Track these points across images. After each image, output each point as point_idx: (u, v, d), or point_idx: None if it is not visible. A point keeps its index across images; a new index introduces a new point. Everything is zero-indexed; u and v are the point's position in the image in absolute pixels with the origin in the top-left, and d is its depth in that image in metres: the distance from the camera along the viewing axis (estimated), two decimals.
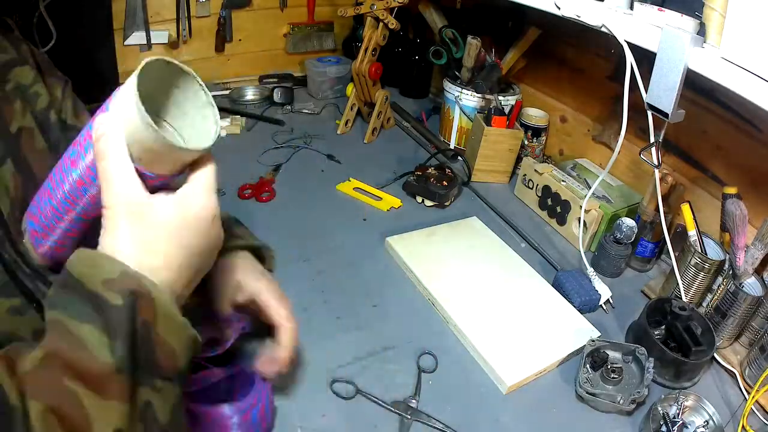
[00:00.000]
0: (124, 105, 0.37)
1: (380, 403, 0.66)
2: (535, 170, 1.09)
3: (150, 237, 0.38)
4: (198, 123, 0.42)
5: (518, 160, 1.19)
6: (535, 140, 1.24)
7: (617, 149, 0.84)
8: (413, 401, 0.67)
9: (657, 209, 0.86)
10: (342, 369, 0.70)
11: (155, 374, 0.37)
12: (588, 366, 0.72)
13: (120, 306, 0.35)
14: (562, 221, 1.04)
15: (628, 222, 0.91)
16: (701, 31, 0.68)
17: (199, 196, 0.40)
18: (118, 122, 0.37)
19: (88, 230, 0.44)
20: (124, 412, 0.35)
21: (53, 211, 0.43)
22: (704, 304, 0.86)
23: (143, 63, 0.36)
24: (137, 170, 0.38)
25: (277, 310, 0.56)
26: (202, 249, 0.40)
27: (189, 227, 0.39)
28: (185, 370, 0.39)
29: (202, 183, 0.40)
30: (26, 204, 0.47)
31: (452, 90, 1.29)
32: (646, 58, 0.74)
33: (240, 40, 1.53)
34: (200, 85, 0.42)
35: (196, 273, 0.41)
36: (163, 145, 0.37)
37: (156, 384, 0.37)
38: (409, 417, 0.65)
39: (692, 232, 0.84)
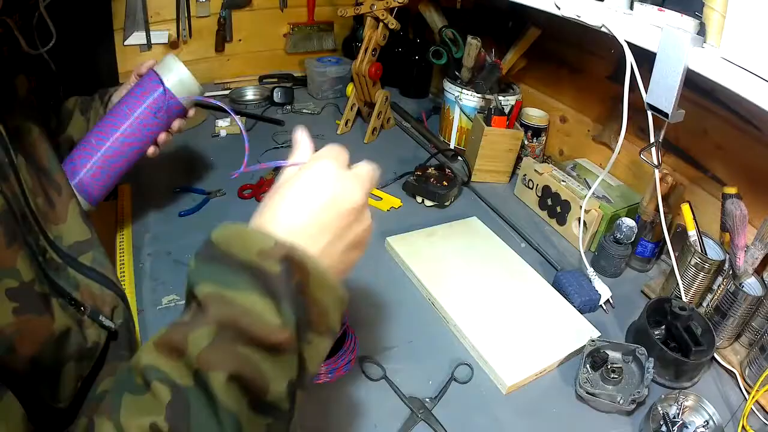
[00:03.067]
0: (174, 69, 0.80)
1: (400, 394, 0.67)
2: (535, 170, 1.09)
3: (293, 210, 0.42)
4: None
5: (518, 160, 1.19)
6: (535, 140, 1.24)
7: (617, 149, 0.84)
8: (427, 401, 0.67)
9: (657, 209, 0.86)
10: None
11: (309, 330, 0.39)
12: (588, 366, 0.72)
13: (278, 272, 0.37)
14: (562, 221, 1.04)
15: (628, 222, 0.91)
16: (701, 31, 0.68)
17: (351, 190, 0.44)
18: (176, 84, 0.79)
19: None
20: (294, 365, 0.38)
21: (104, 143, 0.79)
22: (704, 304, 0.86)
23: (172, 54, 0.81)
24: (176, 100, 0.80)
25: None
26: (338, 221, 0.43)
27: (321, 204, 0.42)
28: (335, 327, 0.42)
29: (360, 175, 0.46)
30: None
31: (452, 90, 1.29)
32: (646, 58, 0.74)
33: (240, 40, 1.53)
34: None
35: (341, 253, 0.44)
36: (194, 84, 0.80)
37: (309, 338, 0.39)
38: (420, 415, 0.65)
39: (692, 232, 0.84)
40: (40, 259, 0.47)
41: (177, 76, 0.78)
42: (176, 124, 0.84)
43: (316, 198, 0.42)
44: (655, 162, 0.81)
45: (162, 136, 0.83)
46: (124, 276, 0.82)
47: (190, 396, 0.34)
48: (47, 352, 0.43)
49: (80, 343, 0.48)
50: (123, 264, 0.84)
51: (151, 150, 0.83)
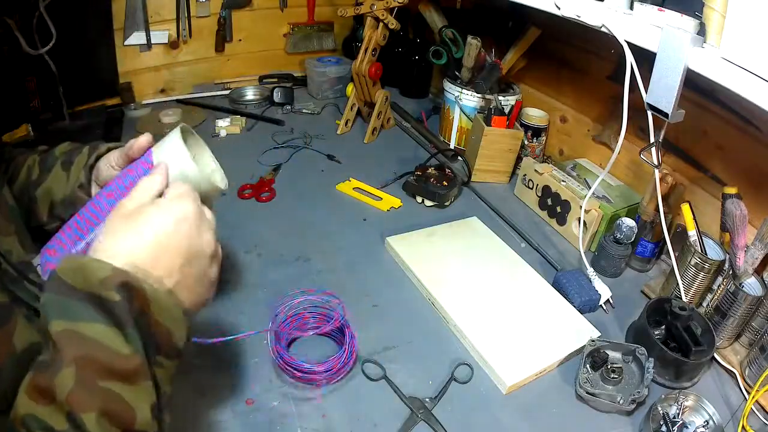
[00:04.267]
0: (175, 156, 0.50)
1: (400, 394, 0.67)
2: (535, 170, 1.09)
3: (136, 236, 0.43)
4: (202, 164, 0.56)
5: (518, 160, 1.19)
6: (535, 140, 1.24)
7: (617, 149, 0.84)
8: (427, 401, 0.67)
9: (657, 209, 0.86)
10: None
11: (158, 353, 0.41)
12: (588, 366, 0.72)
13: (117, 300, 0.38)
14: (562, 221, 1.04)
15: (628, 222, 0.91)
16: (701, 31, 0.68)
17: (183, 203, 0.46)
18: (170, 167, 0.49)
19: None
20: (150, 389, 0.39)
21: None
22: (704, 304, 0.86)
23: (180, 128, 0.52)
24: None
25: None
26: (186, 244, 0.45)
27: (175, 229, 0.44)
28: (180, 347, 0.43)
29: (181, 195, 0.46)
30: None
31: (452, 90, 1.29)
32: (646, 58, 0.74)
33: (240, 40, 1.53)
34: (202, 141, 0.57)
35: (184, 263, 0.45)
36: (207, 183, 0.51)
37: (159, 360, 0.41)
38: (420, 416, 0.65)
39: (692, 232, 0.84)
40: None
41: (178, 168, 0.50)
42: None
43: (152, 223, 0.43)
44: (655, 162, 0.81)
45: None
46: None
47: None
48: (13, 366, 0.43)
49: None
50: None
51: None
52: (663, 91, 0.72)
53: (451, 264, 0.90)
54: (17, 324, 0.44)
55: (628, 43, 0.75)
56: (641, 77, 0.76)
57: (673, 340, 0.76)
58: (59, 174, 0.63)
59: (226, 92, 1.50)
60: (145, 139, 0.55)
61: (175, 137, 0.51)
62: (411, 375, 0.71)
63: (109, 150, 0.61)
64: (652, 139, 0.79)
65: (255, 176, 1.11)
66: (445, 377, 0.71)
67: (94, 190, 0.61)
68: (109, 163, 0.59)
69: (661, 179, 0.84)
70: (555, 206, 1.05)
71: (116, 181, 0.53)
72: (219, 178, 0.56)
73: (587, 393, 0.68)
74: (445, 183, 1.08)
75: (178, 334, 0.42)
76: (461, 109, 1.29)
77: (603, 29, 0.79)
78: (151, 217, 0.43)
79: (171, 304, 0.42)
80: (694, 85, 0.76)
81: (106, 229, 0.43)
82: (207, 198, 0.51)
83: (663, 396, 0.68)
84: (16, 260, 0.51)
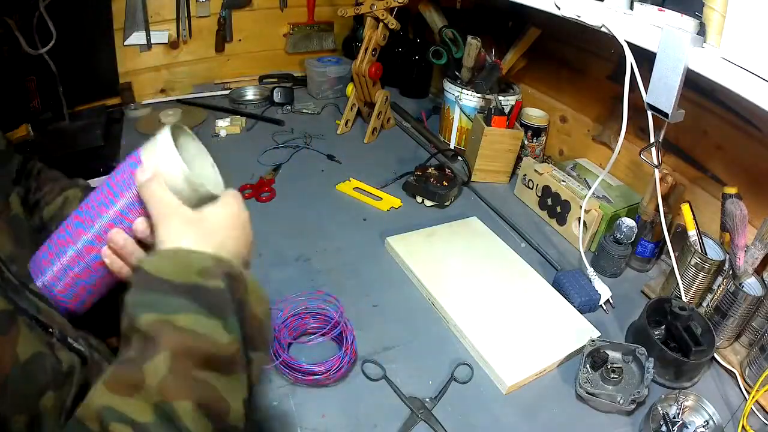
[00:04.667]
0: (163, 159, 0.45)
1: (400, 394, 0.67)
2: (535, 170, 1.09)
3: (212, 233, 0.43)
4: (199, 166, 0.52)
5: (518, 160, 1.19)
6: (535, 140, 1.24)
7: (617, 149, 0.84)
8: (427, 401, 0.67)
9: (657, 209, 0.86)
10: None
11: (251, 347, 0.40)
12: (588, 366, 0.72)
13: (222, 288, 0.38)
14: (562, 221, 1.04)
15: (628, 222, 0.91)
16: (701, 31, 0.68)
17: (235, 203, 0.47)
18: (160, 170, 0.45)
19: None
20: (245, 382, 0.38)
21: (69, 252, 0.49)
22: (704, 304, 0.86)
23: (169, 128, 0.46)
24: None
25: None
26: (246, 240, 0.46)
27: (235, 224, 0.45)
28: (271, 339, 0.44)
29: (235, 195, 0.48)
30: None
31: (452, 90, 1.29)
32: (646, 58, 0.74)
33: (240, 40, 1.53)
34: (198, 141, 0.52)
35: (244, 262, 0.46)
36: (198, 192, 0.46)
37: (251, 355, 0.40)
38: (420, 416, 0.65)
39: (692, 232, 0.84)
40: None
41: (168, 169, 0.45)
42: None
43: (218, 217, 0.45)
44: (655, 162, 0.81)
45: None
46: None
47: (152, 430, 0.33)
48: (19, 377, 0.39)
49: (55, 366, 0.43)
50: None
51: (106, 252, 0.49)
52: (663, 91, 0.72)
53: (451, 264, 0.90)
54: (20, 332, 0.41)
55: (628, 43, 0.75)
56: (641, 77, 0.76)
57: (673, 340, 0.76)
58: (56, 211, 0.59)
59: (226, 92, 1.49)
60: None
61: (164, 136, 0.46)
62: (411, 375, 0.71)
63: None
64: (652, 139, 0.79)
65: (255, 176, 1.11)
66: (445, 377, 0.71)
67: None
68: None
69: (661, 179, 0.84)
70: (555, 206, 1.05)
71: (105, 182, 0.49)
72: (213, 182, 0.52)
73: (587, 393, 0.68)
74: (445, 183, 1.08)
75: (269, 326, 0.42)
76: (461, 109, 1.29)
77: (603, 29, 0.79)
78: (212, 216, 0.44)
79: (264, 294, 0.42)
80: (694, 85, 0.76)
81: (174, 234, 0.42)
82: (198, 201, 0.47)
83: (663, 396, 0.68)
84: (18, 270, 0.49)
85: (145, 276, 0.38)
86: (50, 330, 0.45)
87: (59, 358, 0.44)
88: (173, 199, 0.44)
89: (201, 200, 0.47)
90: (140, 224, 0.46)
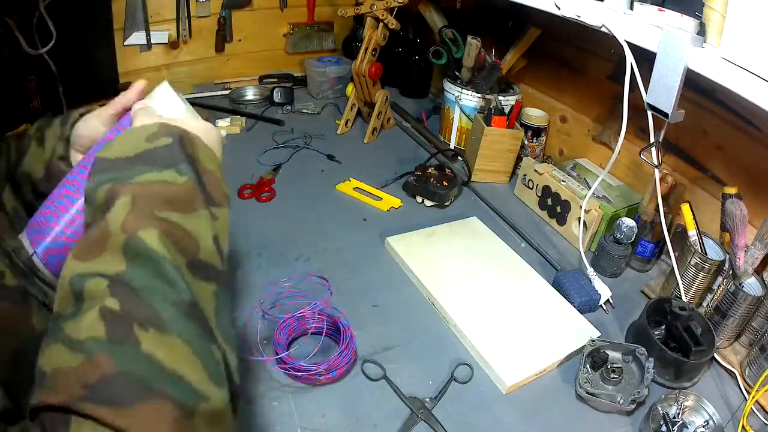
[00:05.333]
0: (168, 104, 0.51)
1: (400, 394, 0.67)
2: (535, 170, 1.09)
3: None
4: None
5: (518, 160, 1.19)
6: (535, 140, 1.24)
7: (617, 149, 0.84)
8: (427, 401, 0.67)
9: (657, 209, 0.86)
10: None
11: (210, 203, 0.40)
12: (588, 366, 0.72)
13: (170, 143, 0.40)
14: (562, 221, 1.04)
15: (628, 222, 0.91)
16: (701, 31, 0.68)
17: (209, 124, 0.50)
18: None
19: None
20: (209, 221, 0.39)
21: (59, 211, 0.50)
22: (704, 304, 0.86)
23: (166, 81, 0.53)
24: None
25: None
26: (218, 153, 0.47)
27: (208, 137, 0.47)
28: (228, 193, 0.44)
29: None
30: None
31: (452, 90, 1.29)
32: (646, 58, 0.74)
33: (240, 40, 1.53)
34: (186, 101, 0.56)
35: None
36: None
37: (213, 212, 0.40)
38: (420, 416, 0.65)
39: (692, 232, 0.84)
40: (6, 261, 0.45)
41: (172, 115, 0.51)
42: None
43: (192, 123, 0.47)
44: (655, 162, 0.81)
45: None
46: None
47: (128, 274, 0.33)
48: (30, 349, 0.39)
49: None
50: None
51: None
52: (663, 91, 0.72)
53: (451, 264, 0.90)
54: (33, 308, 0.43)
55: (628, 43, 0.75)
56: (641, 77, 0.76)
57: (673, 340, 0.76)
58: (35, 151, 0.58)
59: (226, 92, 1.49)
60: (139, 86, 0.54)
61: (165, 87, 0.53)
62: (411, 375, 0.71)
63: (82, 115, 0.57)
64: (652, 139, 0.79)
65: (255, 176, 1.11)
66: (445, 377, 0.71)
67: (75, 159, 0.57)
68: (95, 127, 0.55)
69: (661, 179, 0.84)
70: (555, 206, 1.05)
71: (107, 135, 0.53)
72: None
73: (587, 393, 0.68)
74: (445, 183, 1.08)
75: (222, 179, 0.43)
76: (461, 109, 1.29)
77: (603, 29, 0.79)
78: (187, 124, 0.46)
79: (214, 153, 0.44)
80: (694, 85, 0.76)
81: (137, 122, 0.45)
82: None
83: (663, 396, 0.68)
84: (25, 258, 0.51)
85: (98, 162, 0.39)
86: None
87: None
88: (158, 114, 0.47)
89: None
90: None
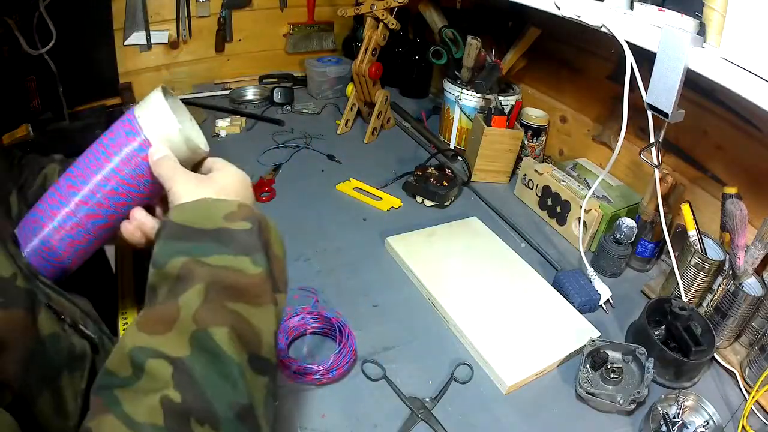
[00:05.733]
0: (161, 125, 0.49)
1: (400, 394, 0.67)
2: (535, 170, 1.09)
3: (225, 190, 0.46)
4: (185, 123, 0.55)
5: (518, 160, 1.19)
6: (535, 140, 1.24)
7: (617, 149, 0.84)
8: (427, 401, 0.67)
9: (657, 209, 0.86)
10: None
11: (276, 289, 0.41)
12: (588, 366, 0.72)
13: (249, 228, 0.40)
14: (562, 221, 1.04)
15: (628, 222, 0.91)
16: (701, 31, 0.68)
17: (233, 167, 0.52)
18: (162, 141, 0.49)
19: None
20: (275, 314, 0.39)
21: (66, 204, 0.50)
22: (704, 304, 0.86)
23: (160, 89, 0.51)
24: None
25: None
26: (252, 201, 0.50)
27: (242, 185, 0.49)
28: (287, 281, 0.44)
29: (224, 161, 0.53)
30: None
31: (452, 90, 1.29)
32: (646, 58, 0.74)
33: (240, 40, 1.53)
34: (182, 103, 0.57)
35: None
36: (193, 150, 0.51)
37: (275, 298, 0.41)
38: (420, 416, 0.65)
39: (692, 232, 0.84)
40: (13, 262, 0.45)
41: (164, 130, 0.49)
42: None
43: (227, 179, 0.49)
44: (655, 162, 0.81)
45: (138, 216, 0.51)
46: (124, 285, 0.81)
47: (191, 363, 0.33)
48: (39, 355, 0.41)
49: (70, 348, 0.45)
50: (123, 272, 0.84)
51: (129, 228, 0.51)
52: (663, 91, 0.72)
53: (451, 264, 0.90)
54: (39, 310, 0.43)
55: (628, 43, 0.75)
56: (641, 77, 0.76)
57: (673, 340, 0.76)
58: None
59: (226, 92, 1.49)
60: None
61: (157, 96, 0.50)
62: (411, 375, 0.71)
63: None
64: (652, 139, 0.79)
65: (255, 176, 1.11)
66: (445, 377, 0.71)
67: None
68: None
69: (661, 179, 0.84)
70: (555, 206, 1.05)
71: (100, 140, 0.51)
72: (202, 142, 0.55)
73: (587, 393, 0.68)
74: (445, 183, 1.08)
75: (285, 266, 0.44)
76: (461, 109, 1.29)
77: (603, 29, 0.79)
78: (221, 178, 0.48)
79: (281, 236, 0.44)
80: (694, 85, 0.76)
81: (191, 191, 0.44)
82: (189, 160, 0.52)
83: (663, 396, 0.68)
84: (25, 262, 0.50)
85: (172, 226, 0.39)
86: (62, 317, 0.46)
87: (72, 342, 0.45)
88: (183, 168, 0.47)
89: (194, 154, 0.52)
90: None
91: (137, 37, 1.35)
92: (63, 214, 0.50)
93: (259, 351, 0.37)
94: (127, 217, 0.51)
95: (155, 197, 0.53)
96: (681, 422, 0.65)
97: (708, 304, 0.82)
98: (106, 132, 0.52)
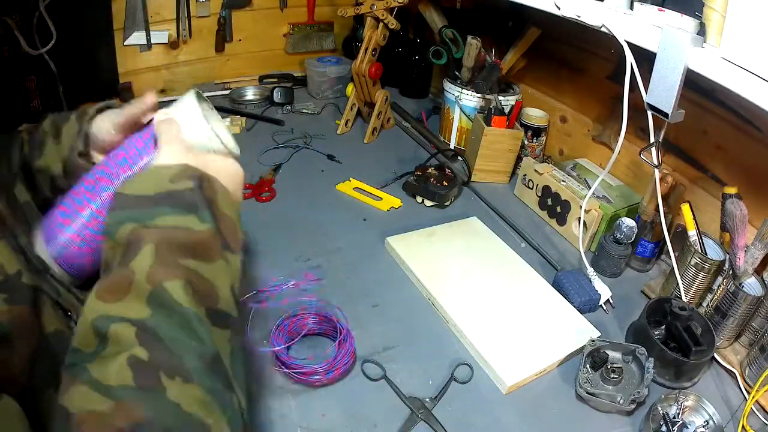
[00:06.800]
0: (192, 126, 0.52)
1: (400, 394, 0.67)
2: (535, 170, 1.09)
3: (215, 171, 0.46)
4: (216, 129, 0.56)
5: (518, 160, 1.19)
6: (535, 140, 1.24)
7: (617, 149, 0.84)
8: (427, 401, 0.67)
9: (657, 209, 0.86)
10: None
11: (224, 247, 0.41)
12: (588, 366, 0.72)
13: (192, 186, 0.41)
14: (562, 221, 1.04)
15: (628, 222, 0.91)
16: (701, 31, 0.68)
17: (237, 163, 0.51)
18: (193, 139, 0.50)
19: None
20: (227, 270, 0.40)
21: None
22: (704, 304, 0.86)
23: (193, 92, 0.55)
24: None
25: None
26: (237, 197, 0.49)
27: (231, 178, 0.48)
28: (241, 240, 0.44)
29: (237, 159, 0.53)
30: None
31: (452, 90, 1.29)
32: (646, 58, 0.74)
33: (240, 40, 1.53)
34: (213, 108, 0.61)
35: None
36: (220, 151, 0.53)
37: (226, 256, 0.41)
38: (420, 416, 0.65)
39: (692, 232, 0.84)
40: (21, 257, 0.46)
41: (193, 132, 0.52)
42: None
43: (218, 164, 0.48)
44: (655, 162, 0.81)
45: None
46: None
47: (153, 322, 0.34)
48: (45, 349, 0.42)
49: None
50: None
51: None
52: (663, 91, 0.72)
53: (451, 264, 0.90)
54: (45, 306, 0.44)
55: (628, 43, 0.75)
56: (641, 77, 0.76)
57: (673, 340, 0.76)
58: (52, 147, 0.59)
59: (226, 92, 1.49)
60: (150, 99, 0.56)
61: (190, 101, 0.54)
62: (411, 375, 0.71)
63: (98, 112, 0.57)
64: (652, 139, 0.79)
65: (255, 176, 1.11)
66: (445, 377, 0.71)
67: (96, 158, 0.57)
68: (106, 129, 0.56)
69: (661, 179, 0.84)
70: (555, 206, 1.05)
71: (130, 142, 0.54)
72: (232, 145, 0.57)
73: (587, 393, 0.68)
74: (445, 183, 1.08)
75: (238, 225, 0.44)
76: (461, 109, 1.29)
77: (603, 29, 0.79)
78: (213, 163, 0.47)
79: (232, 199, 0.44)
80: (694, 85, 0.76)
81: (169, 158, 0.45)
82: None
83: (663, 396, 0.68)
84: (36, 255, 0.51)
85: (121, 198, 0.40)
86: (69, 314, 0.47)
87: None
88: (183, 137, 0.48)
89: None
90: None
91: (137, 37, 1.35)
92: (88, 212, 0.52)
93: (216, 304, 0.37)
94: None
95: None
96: (681, 422, 0.65)
97: (708, 304, 0.82)
98: (136, 134, 0.55)
